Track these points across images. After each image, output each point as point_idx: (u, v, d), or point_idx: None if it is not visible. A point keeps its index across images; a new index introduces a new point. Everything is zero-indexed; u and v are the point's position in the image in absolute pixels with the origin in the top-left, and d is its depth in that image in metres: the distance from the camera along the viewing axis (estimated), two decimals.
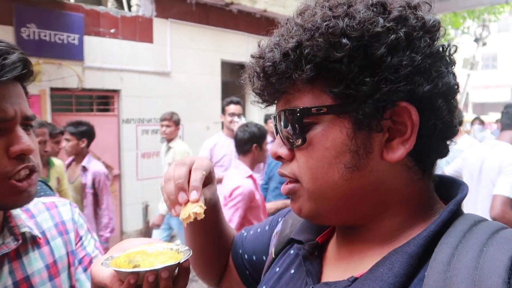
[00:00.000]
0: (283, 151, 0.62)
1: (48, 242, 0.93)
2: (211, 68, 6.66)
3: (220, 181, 3.94)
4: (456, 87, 0.58)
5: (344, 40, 0.52)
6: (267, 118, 5.65)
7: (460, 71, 18.42)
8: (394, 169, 0.57)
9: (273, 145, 0.64)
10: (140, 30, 5.83)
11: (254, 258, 0.89)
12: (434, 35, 0.56)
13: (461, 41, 16.60)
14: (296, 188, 0.62)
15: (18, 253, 0.86)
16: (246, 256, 0.91)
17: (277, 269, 0.74)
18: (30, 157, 0.79)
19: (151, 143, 6.02)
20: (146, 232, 5.87)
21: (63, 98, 5.32)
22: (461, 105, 16.41)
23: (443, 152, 0.60)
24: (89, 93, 5.56)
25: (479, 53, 16.67)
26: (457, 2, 6.91)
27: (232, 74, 7.74)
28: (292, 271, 0.71)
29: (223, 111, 4.18)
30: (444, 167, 3.84)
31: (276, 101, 0.63)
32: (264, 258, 0.87)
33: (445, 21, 13.35)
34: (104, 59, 5.49)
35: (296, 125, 0.58)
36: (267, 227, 0.91)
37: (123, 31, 5.67)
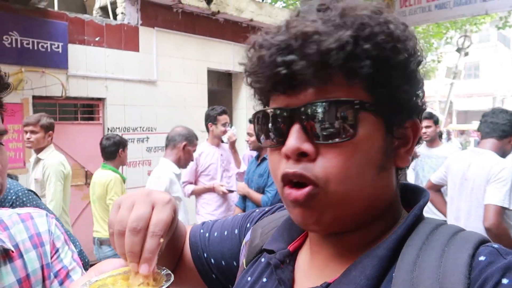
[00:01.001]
0: (309, 147, 0.55)
1: (21, 255, 0.90)
2: (197, 76, 6.65)
3: (206, 190, 3.92)
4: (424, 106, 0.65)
5: (403, 47, 0.55)
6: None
7: (443, 80, 18.78)
8: (393, 175, 0.61)
9: (293, 140, 0.55)
10: (125, 39, 5.80)
11: (222, 263, 0.86)
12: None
13: (444, 50, 16.96)
14: (315, 192, 0.54)
15: None
16: (212, 260, 0.87)
17: (249, 278, 0.73)
18: None
19: (137, 152, 5.96)
20: None
21: (47, 107, 5.23)
22: (445, 113, 16.70)
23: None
24: (73, 101, 5.49)
25: (461, 63, 17.05)
26: (439, 13, 7.07)
27: (218, 82, 7.74)
28: (264, 279, 0.70)
29: (214, 120, 4.06)
30: (428, 174, 3.90)
31: (290, 92, 0.56)
32: (234, 263, 0.84)
33: (428, 31, 13.65)
34: (89, 67, 5.43)
35: (348, 118, 0.54)
36: (236, 231, 0.87)
37: (108, 40, 5.63)
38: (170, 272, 0.62)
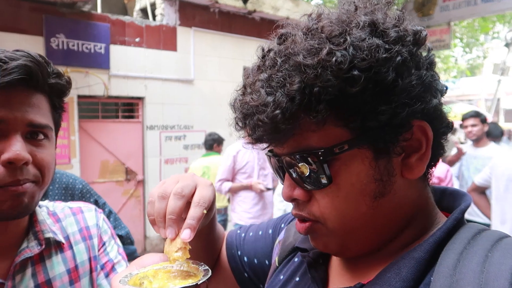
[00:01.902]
0: (299, 193, 0.58)
1: (71, 247, 0.94)
2: (233, 75, 6.71)
3: (243, 188, 3.95)
4: (445, 88, 0.59)
5: (356, 73, 0.50)
6: None
7: (490, 77, 17.86)
8: (411, 184, 0.58)
9: (285, 188, 0.60)
10: (164, 39, 5.94)
11: (255, 261, 0.87)
12: (424, 45, 0.56)
13: (491, 46, 16.13)
14: (316, 227, 0.59)
15: (42, 257, 0.88)
16: (245, 258, 0.89)
17: (281, 277, 0.73)
18: (28, 168, 0.76)
19: (174, 149, 6.10)
20: None
21: (90, 105, 5.47)
22: (491, 112, 15.89)
23: (442, 150, 0.61)
24: (114, 100, 5.69)
25: (510, 58, 16.15)
26: (486, 7, 6.72)
27: None
28: (297, 278, 0.70)
29: None
30: (473, 175, 3.73)
31: (274, 144, 0.58)
32: (266, 262, 0.85)
33: (473, 26, 13.02)
34: (129, 67, 5.62)
35: (319, 167, 0.54)
36: (270, 231, 0.89)
37: (148, 40, 5.79)
38: (208, 267, 0.62)
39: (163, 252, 0.65)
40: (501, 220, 2.71)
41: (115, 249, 1.03)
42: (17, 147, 0.73)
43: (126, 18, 5.70)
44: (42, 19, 4.89)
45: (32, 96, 0.78)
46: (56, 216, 0.97)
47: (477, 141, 3.98)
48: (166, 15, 6.04)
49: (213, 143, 5.00)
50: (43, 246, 0.87)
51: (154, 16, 6.27)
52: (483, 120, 3.95)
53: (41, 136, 0.80)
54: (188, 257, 0.62)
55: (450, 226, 0.55)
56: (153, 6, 6.31)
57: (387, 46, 0.51)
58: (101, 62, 5.34)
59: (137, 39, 5.70)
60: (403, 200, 0.57)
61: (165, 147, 6.02)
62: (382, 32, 0.52)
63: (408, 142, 0.55)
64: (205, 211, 0.64)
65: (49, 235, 0.89)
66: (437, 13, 6.93)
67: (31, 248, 0.85)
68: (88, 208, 1.04)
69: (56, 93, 0.84)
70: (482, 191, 3.10)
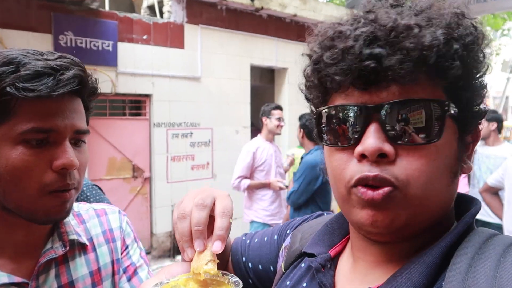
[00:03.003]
0: (390, 148, 0.51)
1: (94, 249, 0.95)
2: (240, 72, 6.70)
3: (262, 186, 3.95)
4: None
5: (484, 51, 0.54)
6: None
7: (499, 75, 17.65)
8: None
9: (372, 140, 0.51)
10: (171, 36, 5.95)
11: (260, 267, 0.86)
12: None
13: (501, 43, 15.94)
14: (394, 194, 0.51)
15: (65, 258, 0.88)
16: (250, 264, 0.88)
17: (288, 283, 0.72)
18: (74, 173, 0.79)
19: (181, 146, 6.12)
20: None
21: (97, 103, 5.43)
22: (500, 110, 15.71)
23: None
24: (122, 97, 5.71)
25: None
26: (496, 4, 6.64)
27: (261, 78, 7.75)
28: (304, 284, 0.68)
29: (269, 114, 4.03)
30: (485, 175, 3.69)
31: (374, 88, 0.52)
32: (271, 268, 0.84)
33: (483, 23, 12.87)
34: (137, 64, 5.63)
35: (434, 121, 0.51)
36: (275, 237, 0.88)
37: (155, 37, 5.80)
38: (238, 279, 0.61)
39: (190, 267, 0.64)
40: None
41: (137, 253, 1.02)
42: (70, 154, 0.77)
43: (133, 16, 5.71)
44: (50, 16, 4.92)
45: (76, 102, 0.81)
46: (81, 217, 0.97)
47: (486, 140, 3.93)
48: (173, 12, 6.04)
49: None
50: (67, 248, 0.87)
51: (161, 14, 6.28)
52: (491, 119, 3.89)
53: (82, 142, 0.83)
54: (217, 269, 0.61)
55: (461, 231, 0.55)
56: (160, 3, 6.31)
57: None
58: (108, 59, 5.35)
59: (144, 37, 5.71)
60: (454, 194, 0.58)
61: (172, 144, 6.04)
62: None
63: (472, 136, 0.58)
64: (231, 220, 0.64)
65: (73, 237, 0.89)
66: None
67: (56, 249, 0.86)
68: (112, 210, 1.04)
69: (90, 96, 0.87)
70: (495, 191, 3.07)
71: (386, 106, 0.51)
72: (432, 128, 0.51)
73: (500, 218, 2.95)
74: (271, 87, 7.81)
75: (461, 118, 0.54)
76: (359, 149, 0.52)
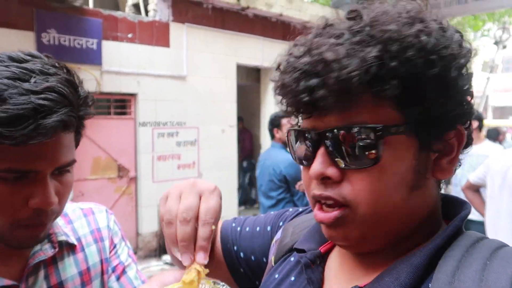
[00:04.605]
0: (333, 171, 0.54)
1: (83, 249, 0.94)
2: (227, 71, 6.69)
3: None
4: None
5: (436, 57, 0.51)
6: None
7: (479, 74, 18.03)
8: (435, 185, 0.59)
9: (317, 165, 0.55)
10: (157, 35, 5.90)
11: (252, 258, 0.86)
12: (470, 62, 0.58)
13: (481, 43, 16.30)
14: (345, 214, 0.55)
15: (54, 259, 0.88)
16: (242, 254, 0.87)
17: (276, 276, 0.73)
18: (52, 208, 0.75)
19: (167, 146, 6.08)
20: (161, 234, 5.91)
21: None
22: (480, 109, 16.06)
23: (459, 164, 0.62)
24: (107, 96, 5.64)
25: (499, 56, 16.32)
26: (476, 5, 6.79)
27: (247, 77, 7.76)
28: (292, 278, 0.69)
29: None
30: (467, 173, 3.78)
31: (318, 113, 0.55)
32: (264, 259, 0.84)
33: (464, 24, 13.12)
34: (122, 63, 5.57)
35: (371, 144, 0.52)
36: (268, 228, 0.88)
37: (140, 36, 5.74)
38: (228, 286, 0.63)
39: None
40: (494, 218, 2.74)
41: (125, 251, 1.02)
42: (48, 193, 0.72)
43: (118, 14, 5.64)
44: (33, 13, 4.81)
45: (62, 138, 0.74)
46: (68, 217, 0.96)
47: None
48: (159, 10, 5.99)
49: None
50: (57, 249, 0.86)
51: (146, 12, 6.22)
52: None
53: (66, 170, 0.78)
54: (208, 278, 0.62)
55: (450, 234, 0.55)
56: (145, 1, 6.25)
57: (455, 46, 0.53)
58: (93, 58, 5.27)
59: (129, 35, 5.64)
60: (428, 198, 0.58)
61: (157, 143, 5.99)
62: (447, 31, 0.55)
63: (446, 143, 0.56)
64: (213, 227, 0.63)
65: (62, 238, 0.88)
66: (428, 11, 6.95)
67: (45, 251, 0.85)
68: (99, 209, 1.03)
69: (82, 120, 0.81)
70: (476, 189, 3.14)
71: (327, 132, 0.54)
72: (368, 153, 0.52)
73: (482, 214, 3.02)
74: (257, 86, 7.82)
75: (421, 131, 0.53)
76: (309, 172, 0.57)
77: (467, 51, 0.55)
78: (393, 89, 0.50)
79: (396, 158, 0.53)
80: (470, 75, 0.56)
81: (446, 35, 0.53)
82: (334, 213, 0.55)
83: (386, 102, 0.52)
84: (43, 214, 0.74)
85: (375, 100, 0.52)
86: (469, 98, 0.57)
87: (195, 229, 0.63)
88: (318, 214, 0.57)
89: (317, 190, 0.57)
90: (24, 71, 0.69)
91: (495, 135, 6.20)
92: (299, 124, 0.62)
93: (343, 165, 0.54)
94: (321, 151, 0.56)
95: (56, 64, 0.77)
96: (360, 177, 0.54)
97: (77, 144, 0.84)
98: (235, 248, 0.88)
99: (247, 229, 0.90)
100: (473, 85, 0.59)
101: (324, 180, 0.56)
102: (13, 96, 0.65)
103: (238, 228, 0.91)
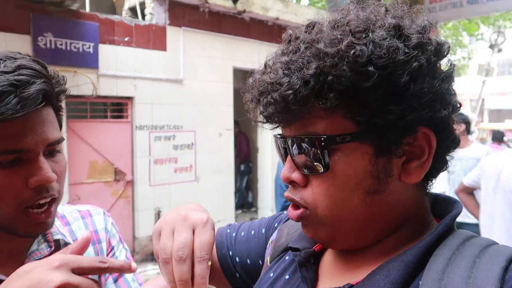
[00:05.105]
0: (297, 176, 0.60)
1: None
2: (223, 75, 6.70)
3: None
4: (459, 105, 0.61)
5: (371, 69, 0.51)
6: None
7: (475, 78, 18.15)
8: (407, 189, 0.59)
9: (285, 169, 0.61)
10: (153, 38, 5.91)
11: (248, 261, 0.87)
12: (445, 58, 0.58)
13: (476, 47, 16.41)
14: (306, 214, 0.61)
15: None
16: (237, 258, 0.88)
17: (271, 274, 0.74)
18: (52, 185, 0.77)
19: (164, 149, 6.07)
20: None
21: (78, 105, 5.41)
22: (476, 112, 16.14)
23: (445, 166, 0.63)
24: (103, 100, 5.63)
25: (494, 60, 16.44)
26: (471, 9, 6.84)
27: (244, 81, 7.76)
28: (287, 276, 0.71)
29: None
30: (457, 177, 3.79)
31: (282, 124, 0.62)
32: (260, 262, 0.85)
33: (458, 28, 13.22)
34: (118, 66, 5.57)
35: (319, 153, 0.56)
36: (263, 230, 0.89)
37: (137, 40, 5.75)
38: None
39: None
40: (489, 220, 2.76)
41: (123, 254, 1.02)
42: (46, 170, 0.74)
43: (115, 17, 5.65)
44: (29, 17, 4.81)
45: (45, 113, 0.77)
46: (65, 219, 0.96)
47: None
48: (155, 14, 6.01)
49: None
50: (53, 248, 0.86)
51: (143, 16, 6.23)
52: (457, 121, 3.96)
53: (57, 151, 0.80)
54: None
55: (440, 232, 0.57)
56: (142, 5, 6.26)
57: (406, 50, 0.53)
58: (89, 61, 5.27)
59: (126, 39, 5.65)
60: (397, 202, 0.59)
61: (154, 147, 5.99)
62: (405, 36, 0.54)
63: (411, 147, 0.56)
64: (209, 263, 0.64)
65: (58, 237, 0.88)
66: (424, 15, 7.00)
67: (41, 250, 0.85)
68: (96, 212, 1.03)
69: (58, 98, 0.84)
70: (470, 191, 3.15)
71: (288, 140, 0.60)
72: (320, 160, 0.56)
73: (476, 217, 3.03)
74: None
75: (374, 136, 0.54)
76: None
77: (430, 52, 0.54)
78: (332, 101, 0.53)
79: (348, 164, 0.56)
80: (438, 76, 0.55)
81: (390, 42, 0.53)
82: (296, 212, 0.61)
83: (335, 112, 0.55)
84: (45, 191, 0.76)
85: (325, 111, 0.55)
86: (439, 99, 0.56)
87: (192, 266, 0.63)
88: (289, 211, 0.63)
89: (287, 192, 0.63)
90: None
91: (500, 138, 6.32)
92: (274, 134, 0.67)
93: (303, 171, 0.60)
94: (288, 157, 0.61)
95: (20, 52, 0.81)
96: (317, 183, 0.58)
97: (60, 124, 0.85)
98: (230, 253, 0.89)
99: (242, 233, 0.91)
100: (450, 85, 0.58)
101: (292, 183, 0.62)
102: None
103: (233, 234, 0.92)
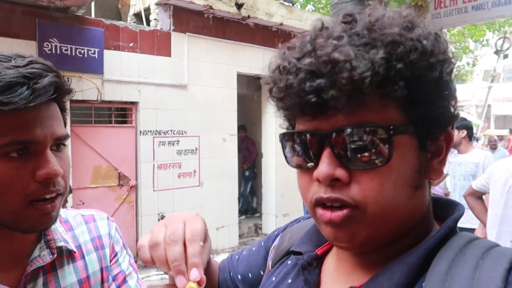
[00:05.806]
0: (342, 172, 0.53)
1: (83, 256, 0.93)
2: (227, 81, 6.72)
3: None
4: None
5: (436, 60, 0.53)
6: None
7: (480, 84, 18.10)
8: (426, 189, 0.60)
9: (325, 166, 0.54)
10: (158, 44, 5.94)
11: (249, 276, 0.87)
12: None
13: (481, 53, 16.38)
14: (354, 214, 0.54)
15: (54, 266, 0.87)
16: (239, 276, 0.89)
17: (273, 279, 0.73)
18: (58, 180, 0.78)
19: (168, 154, 6.08)
20: None
21: (83, 110, 5.44)
22: (482, 118, 16.07)
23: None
24: (108, 105, 5.66)
25: (500, 65, 16.39)
26: (476, 15, 6.82)
27: (248, 86, 7.79)
28: (290, 280, 0.70)
29: None
30: (458, 181, 3.78)
31: (324, 115, 0.54)
32: (261, 272, 0.85)
33: (463, 34, 13.20)
34: (123, 72, 5.60)
35: (382, 144, 0.52)
36: (262, 243, 0.90)
37: (142, 45, 5.78)
38: None
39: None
40: (496, 224, 2.75)
41: (126, 260, 1.01)
42: (53, 163, 0.75)
43: (120, 23, 5.69)
44: (35, 23, 4.86)
45: (52, 108, 0.79)
46: (69, 224, 0.96)
47: (458, 148, 4.03)
48: (160, 20, 6.04)
49: None
50: (55, 256, 0.86)
51: (148, 21, 6.27)
52: (460, 126, 3.94)
53: (63, 147, 0.81)
54: None
55: (443, 234, 0.56)
56: (147, 11, 6.31)
57: (449, 51, 0.56)
58: (94, 66, 5.31)
59: (131, 44, 5.68)
60: (425, 199, 0.60)
61: (158, 152, 6.00)
62: (444, 40, 0.57)
63: (438, 144, 0.58)
64: (201, 243, 0.62)
65: (61, 244, 0.88)
66: (429, 20, 7.01)
67: (43, 257, 0.84)
68: (100, 217, 1.03)
69: (64, 97, 0.85)
70: (479, 196, 3.15)
71: (334, 133, 0.53)
72: (379, 152, 0.52)
73: (483, 222, 3.01)
74: (258, 95, 7.84)
75: (421, 131, 0.55)
76: (315, 174, 0.55)
77: (453, 58, 0.58)
78: (401, 90, 0.51)
79: (402, 157, 0.54)
80: (455, 80, 0.59)
81: (440, 40, 0.56)
82: (343, 212, 0.54)
83: (391, 103, 0.53)
84: (51, 185, 0.76)
85: (381, 101, 0.52)
86: (454, 102, 0.59)
87: (185, 251, 0.61)
88: (326, 213, 0.55)
89: (323, 193, 0.55)
90: (2, 56, 0.75)
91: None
92: (296, 130, 0.60)
93: (352, 166, 0.53)
94: (326, 153, 0.54)
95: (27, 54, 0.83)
96: (368, 178, 0.53)
97: (64, 122, 0.86)
98: (231, 274, 0.90)
99: (244, 252, 0.93)
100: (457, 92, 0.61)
101: (332, 182, 0.54)
102: (1, 71, 0.70)
103: (236, 256, 0.94)
